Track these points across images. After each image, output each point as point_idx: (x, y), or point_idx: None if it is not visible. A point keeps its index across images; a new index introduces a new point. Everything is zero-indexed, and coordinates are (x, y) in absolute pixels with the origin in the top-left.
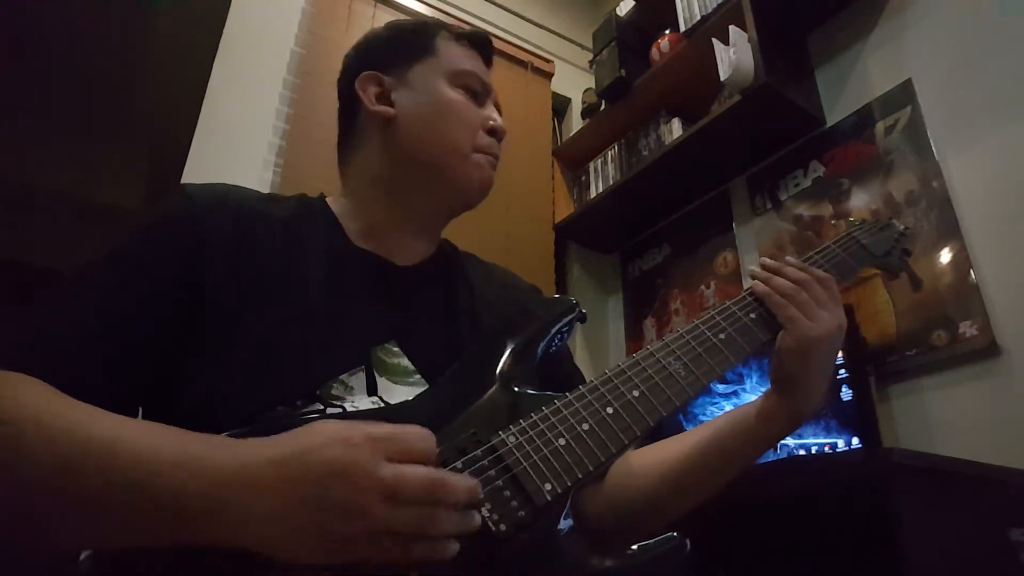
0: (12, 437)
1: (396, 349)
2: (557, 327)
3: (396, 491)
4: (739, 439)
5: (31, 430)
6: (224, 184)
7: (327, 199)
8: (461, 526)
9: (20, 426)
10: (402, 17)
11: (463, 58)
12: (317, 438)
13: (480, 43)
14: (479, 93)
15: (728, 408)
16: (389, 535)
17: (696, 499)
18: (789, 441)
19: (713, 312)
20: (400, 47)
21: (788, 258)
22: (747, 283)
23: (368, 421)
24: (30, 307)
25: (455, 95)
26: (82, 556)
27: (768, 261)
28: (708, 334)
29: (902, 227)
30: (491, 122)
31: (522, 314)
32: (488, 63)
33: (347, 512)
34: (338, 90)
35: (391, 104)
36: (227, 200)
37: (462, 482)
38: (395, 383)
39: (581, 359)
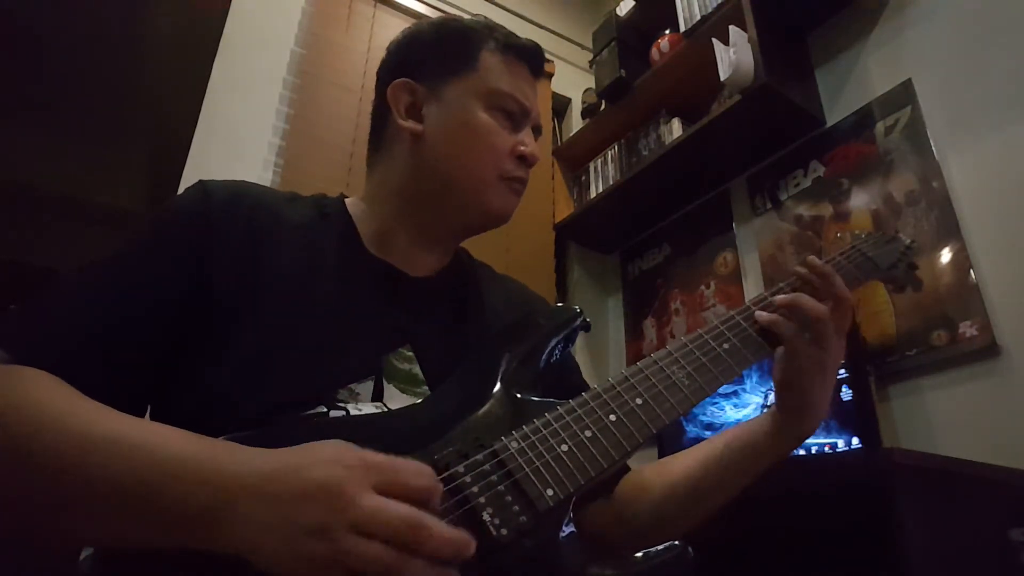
0: (26, 435)
1: (410, 354)
2: (560, 335)
3: (369, 523)
4: (745, 457)
5: (45, 426)
6: (244, 182)
7: (346, 200)
8: None
9: (35, 422)
10: (402, 18)
11: (504, 76)
12: (313, 455)
13: (529, 57)
14: (516, 115)
15: (728, 408)
16: (352, 568)
17: (702, 515)
18: None
19: (717, 322)
20: (441, 56)
21: (825, 261)
22: (747, 284)
23: (368, 451)
24: (41, 301)
25: (486, 119)
26: (82, 556)
27: (783, 298)
28: (712, 343)
29: (908, 240)
30: (520, 148)
31: (525, 321)
32: (537, 75)
33: (315, 533)
34: (375, 82)
35: (421, 119)
36: (243, 199)
37: (448, 533)
38: (401, 391)
39: (581, 359)
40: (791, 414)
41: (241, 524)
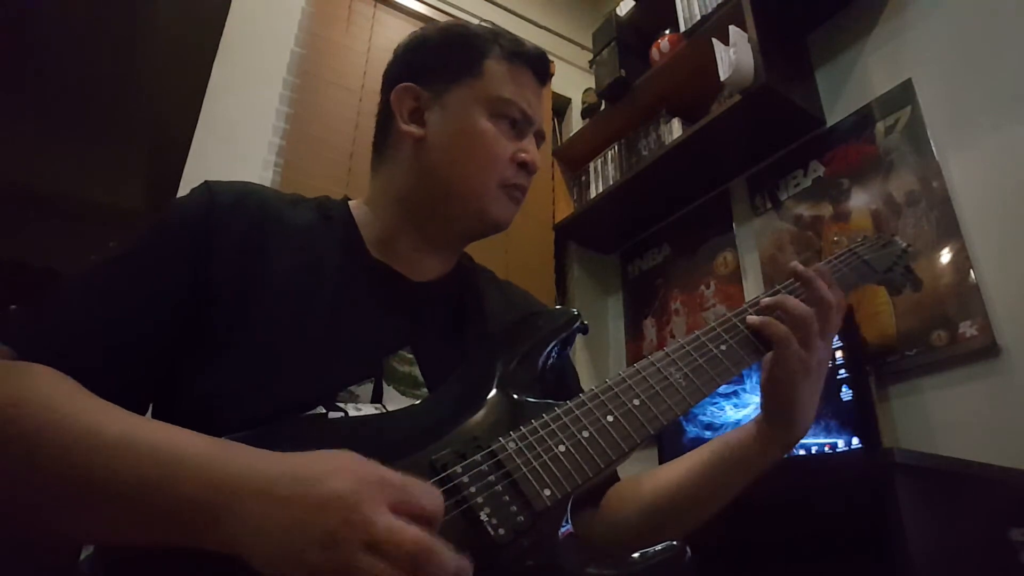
0: (32, 430)
1: (410, 356)
2: (558, 337)
3: (382, 543)
4: (732, 467)
5: (52, 422)
6: (248, 183)
7: (350, 203)
8: None
9: (41, 418)
10: (402, 18)
11: (508, 83)
12: (331, 464)
13: (534, 64)
14: (519, 122)
15: (728, 408)
16: None
17: (690, 525)
18: None
19: (714, 323)
20: (445, 62)
21: (818, 265)
22: (747, 284)
23: (382, 466)
24: (44, 300)
25: (488, 126)
26: (82, 556)
27: (786, 293)
28: (709, 345)
29: (904, 244)
30: (521, 155)
31: (524, 324)
32: (542, 82)
33: (329, 545)
34: (381, 85)
35: (423, 123)
36: (247, 200)
37: (452, 561)
38: (401, 393)
39: (581, 359)
40: (777, 420)
41: (240, 524)
